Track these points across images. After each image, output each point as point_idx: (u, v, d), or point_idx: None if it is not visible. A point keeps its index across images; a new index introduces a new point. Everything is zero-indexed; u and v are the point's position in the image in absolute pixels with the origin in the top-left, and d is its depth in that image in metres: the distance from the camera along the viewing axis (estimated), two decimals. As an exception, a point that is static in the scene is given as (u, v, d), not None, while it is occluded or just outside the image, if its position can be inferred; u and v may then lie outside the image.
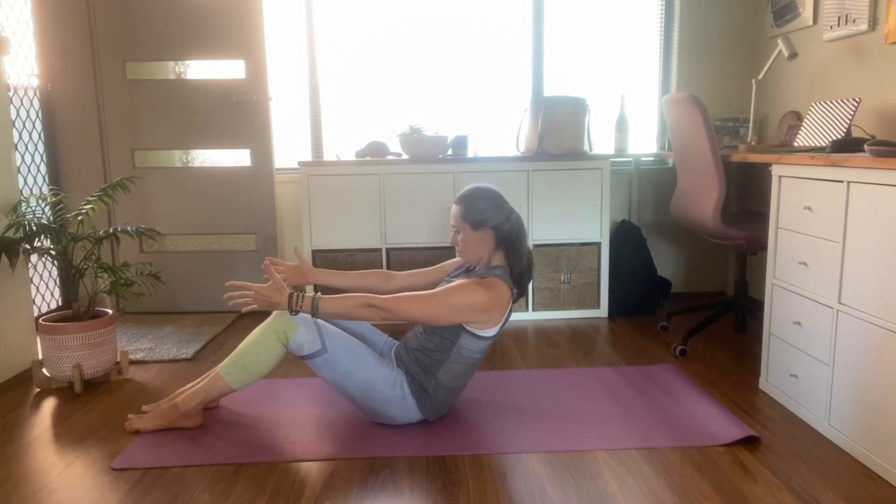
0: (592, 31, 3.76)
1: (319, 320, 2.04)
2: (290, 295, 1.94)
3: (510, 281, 2.09)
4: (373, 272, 2.33)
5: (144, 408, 2.27)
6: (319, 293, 1.96)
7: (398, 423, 2.11)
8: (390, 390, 2.04)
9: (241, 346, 2.07)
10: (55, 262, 2.58)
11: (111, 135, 3.52)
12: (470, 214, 2.08)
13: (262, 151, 3.52)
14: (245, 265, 3.61)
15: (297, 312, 1.96)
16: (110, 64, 3.45)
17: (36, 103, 3.45)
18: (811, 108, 2.75)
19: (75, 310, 2.55)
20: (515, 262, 2.10)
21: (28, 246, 2.48)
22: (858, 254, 1.87)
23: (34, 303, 3.15)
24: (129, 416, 2.18)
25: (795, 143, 2.78)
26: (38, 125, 3.47)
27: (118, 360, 2.62)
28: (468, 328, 2.02)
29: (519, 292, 2.17)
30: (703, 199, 2.71)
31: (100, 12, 3.41)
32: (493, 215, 2.07)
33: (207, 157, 3.55)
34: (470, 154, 3.43)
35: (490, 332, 2.05)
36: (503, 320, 2.06)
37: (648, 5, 3.75)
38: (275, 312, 2.04)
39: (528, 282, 2.16)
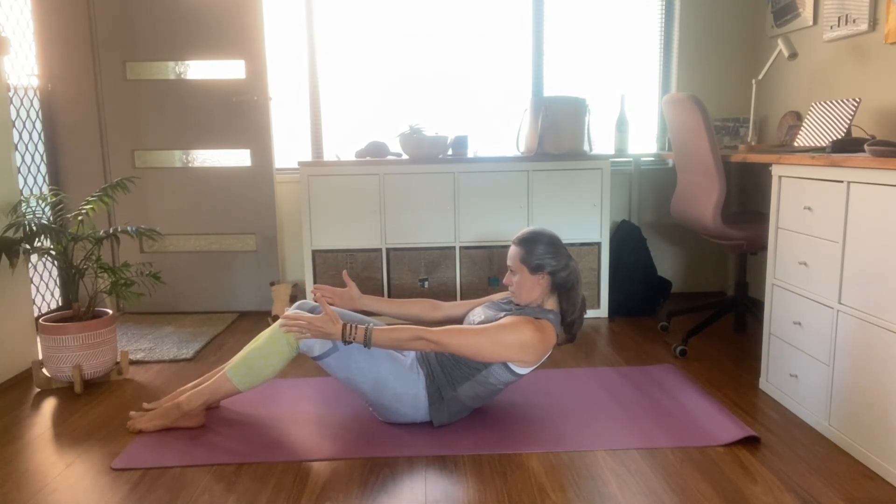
0: (592, 31, 3.77)
1: None
2: (344, 326, 1.94)
3: (560, 328, 2.11)
4: (420, 301, 2.34)
5: (146, 405, 2.27)
6: (372, 324, 1.97)
7: (405, 420, 2.11)
8: (403, 388, 2.04)
9: (249, 348, 2.07)
10: (55, 262, 2.58)
11: (111, 135, 3.52)
12: (530, 258, 2.08)
13: (262, 151, 3.52)
14: (245, 265, 3.61)
15: (349, 343, 1.97)
16: (110, 64, 3.46)
17: (36, 103, 3.45)
18: (811, 108, 2.75)
19: (75, 310, 2.55)
20: (569, 309, 2.11)
21: (28, 246, 2.48)
22: (858, 254, 1.87)
23: (34, 303, 3.15)
24: (131, 413, 2.18)
25: (795, 143, 2.78)
26: (38, 125, 3.47)
27: (118, 360, 2.62)
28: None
29: (569, 338, 2.17)
30: (703, 199, 2.71)
31: (100, 12, 3.42)
32: (552, 261, 2.07)
33: (207, 157, 3.55)
34: (470, 154, 3.43)
35: (524, 370, 2.06)
36: (539, 363, 2.08)
37: (648, 5, 3.75)
38: (284, 315, 2.04)
39: (579, 328, 2.17)
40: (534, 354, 2.01)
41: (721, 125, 3.62)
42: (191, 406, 2.09)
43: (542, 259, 2.07)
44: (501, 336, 1.97)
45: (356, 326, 1.94)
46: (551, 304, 2.12)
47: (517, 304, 2.15)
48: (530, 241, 2.09)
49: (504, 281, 2.15)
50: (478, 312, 2.19)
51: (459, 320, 2.32)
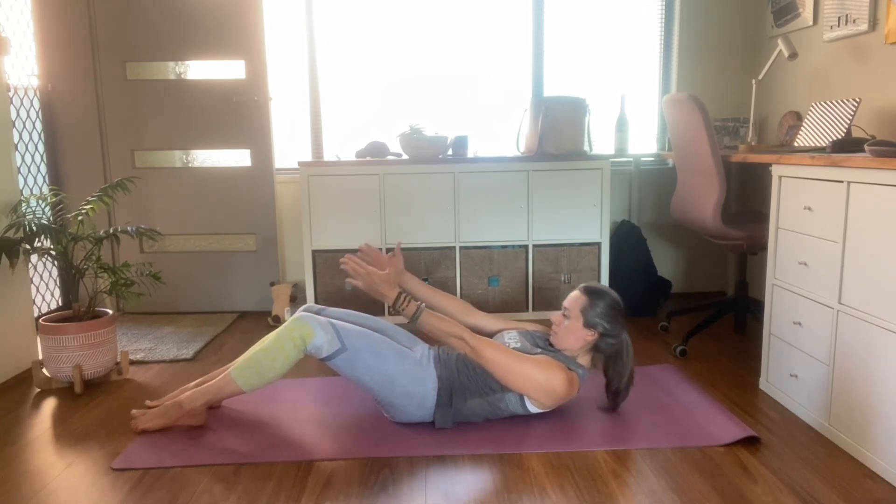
0: (592, 31, 3.77)
1: (335, 320, 2.06)
2: (399, 294, 1.96)
3: (583, 384, 2.14)
4: (455, 299, 2.36)
5: (148, 402, 2.27)
6: (424, 304, 1.98)
7: (412, 419, 2.11)
8: (412, 386, 2.05)
9: (255, 350, 2.07)
10: (55, 263, 2.58)
11: (111, 135, 3.52)
12: (589, 311, 2.09)
13: (262, 151, 3.52)
14: (245, 265, 3.61)
15: (398, 311, 1.99)
16: (110, 64, 3.46)
17: (36, 103, 3.45)
18: (811, 108, 2.75)
19: (75, 310, 2.55)
20: (615, 378, 2.14)
21: (28, 246, 2.48)
22: (858, 254, 1.87)
23: (34, 303, 3.15)
24: (133, 412, 2.17)
25: (795, 143, 2.78)
26: (38, 125, 3.47)
27: (118, 360, 2.62)
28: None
29: (611, 406, 2.21)
30: (703, 199, 2.71)
31: (100, 12, 3.42)
32: (606, 325, 2.09)
33: (207, 157, 3.55)
34: (470, 154, 3.43)
35: (535, 410, 2.09)
36: (551, 409, 2.12)
37: (648, 5, 3.75)
38: (291, 318, 2.04)
39: (623, 399, 2.18)
40: (552, 401, 2.04)
41: (721, 125, 3.62)
42: (193, 405, 2.09)
43: (599, 318, 2.08)
44: (535, 372, 1.99)
45: (409, 299, 1.97)
46: (585, 360, 2.15)
47: (551, 345, 2.17)
48: (596, 296, 2.11)
49: (552, 319, 2.16)
50: (514, 337, 2.20)
51: (487, 334, 2.33)
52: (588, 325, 2.09)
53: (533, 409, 2.09)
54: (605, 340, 2.10)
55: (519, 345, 2.14)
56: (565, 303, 2.14)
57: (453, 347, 2.00)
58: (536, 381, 1.99)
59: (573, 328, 2.10)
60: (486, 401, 2.08)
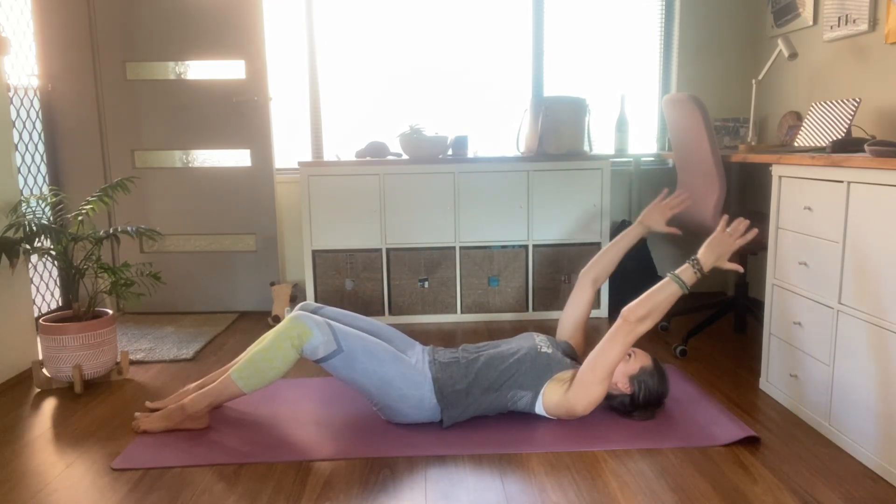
0: (592, 31, 3.77)
1: (331, 321, 2.06)
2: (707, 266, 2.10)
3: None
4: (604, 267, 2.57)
5: (149, 404, 2.27)
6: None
7: (409, 420, 2.11)
8: (409, 389, 2.05)
9: (254, 350, 2.07)
10: (55, 263, 2.58)
11: (111, 135, 3.52)
12: (645, 376, 2.12)
13: (262, 151, 3.52)
14: (245, 265, 3.61)
15: (697, 267, 2.11)
16: (110, 64, 3.45)
17: (36, 103, 3.45)
18: (811, 108, 2.75)
19: (75, 310, 2.55)
20: (637, 416, 2.16)
21: (28, 246, 2.48)
22: (858, 254, 1.87)
23: (34, 303, 3.15)
24: (137, 414, 2.17)
25: (795, 143, 2.78)
26: (38, 125, 3.47)
27: (118, 360, 2.62)
28: (540, 395, 2.09)
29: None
30: (703, 199, 2.71)
31: (100, 12, 3.42)
32: (641, 398, 2.12)
33: (207, 157, 3.55)
34: (470, 154, 3.43)
35: (542, 413, 2.12)
36: (550, 416, 2.14)
37: (648, 5, 3.75)
38: (288, 317, 2.04)
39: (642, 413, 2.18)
40: (566, 413, 2.08)
41: (721, 125, 3.62)
42: (195, 408, 2.09)
43: (644, 388, 2.11)
44: (600, 388, 2.03)
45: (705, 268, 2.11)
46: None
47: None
48: (660, 374, 2.14)
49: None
50: (543, 341, 2.25)
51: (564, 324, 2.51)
52: (632, 381, 2.12)
53: (541, 411, 2.10)
54: (626, 400, 2.13)
55: (550, 350, 2.17)
56: (637, 349, 2.19)
57: (634, 309, 2.00)
58: (592, 391, 2.02)
59: (620, 369, 2.13)
60: (499, 395, 2.09)
